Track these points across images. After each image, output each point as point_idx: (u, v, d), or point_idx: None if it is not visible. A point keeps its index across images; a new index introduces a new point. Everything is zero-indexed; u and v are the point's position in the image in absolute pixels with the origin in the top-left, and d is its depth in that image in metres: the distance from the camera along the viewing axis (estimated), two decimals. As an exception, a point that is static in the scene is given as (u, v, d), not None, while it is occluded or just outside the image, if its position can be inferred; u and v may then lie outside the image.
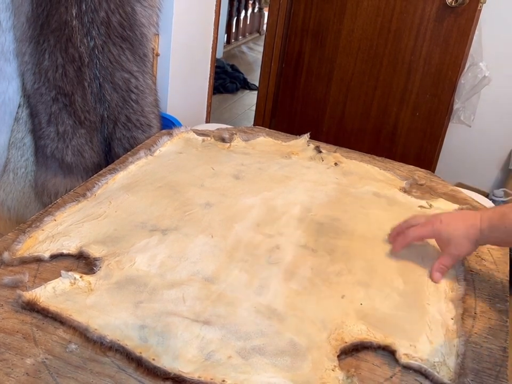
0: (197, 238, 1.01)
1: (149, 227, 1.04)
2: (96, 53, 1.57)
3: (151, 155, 1.32)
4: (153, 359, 0.75)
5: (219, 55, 4.86)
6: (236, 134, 1.46)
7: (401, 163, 1.44)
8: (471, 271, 1.03)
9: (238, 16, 5.39)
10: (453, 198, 1.28)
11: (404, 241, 1.02)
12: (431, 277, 0.97)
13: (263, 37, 3.27)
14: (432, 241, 1.07)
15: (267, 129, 1.58)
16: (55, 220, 1.03)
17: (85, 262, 0.94)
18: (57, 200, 1.13)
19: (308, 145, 1.44)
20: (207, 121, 2.45)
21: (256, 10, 5.75)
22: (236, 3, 5.22)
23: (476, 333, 0.88)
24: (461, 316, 0.90)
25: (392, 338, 0.83)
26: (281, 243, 1.02)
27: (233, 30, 5.42)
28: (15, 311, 0.82)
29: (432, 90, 2.46)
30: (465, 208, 1.20)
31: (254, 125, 2.92)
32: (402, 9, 2.40)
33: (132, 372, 0.74)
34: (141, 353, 0.75)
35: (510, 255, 1.11)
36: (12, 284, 0.86)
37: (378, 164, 1.41)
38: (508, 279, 1.03)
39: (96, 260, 0.93)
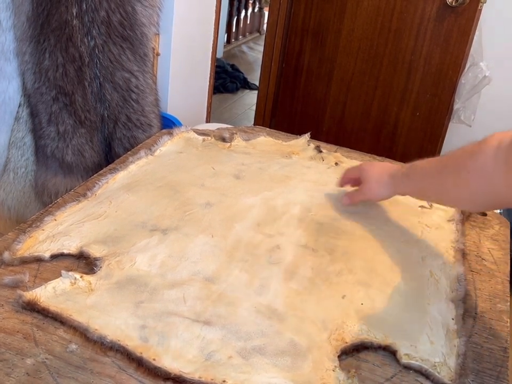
0: (197, 237, 1.01)
1: (149, 227, 1.04)
2: (97, 52, 1.57)
3: (151, 155, 1.32)
4: (154, 359, 0.75)
5: (219, 54, 4.86)
6: (236, 133, 1.46)
7: (401, 163, 1.44)
8: (471, 271, 1.03)
9: (238, 15, 5.39)
10: (453, 198, 1.28)
11: (341, 181, 1.21)
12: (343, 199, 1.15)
13: (263, 36, 3.28)
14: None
15: (267, 129, 1.58)
16: (55, 220, 1.03)
17: (85, 262, 0.94)
18: (58, 200, 1.13)
19: (308, 145, 1.44)
20: (207, 120, 2.45)
21: (256, 10, 5.76)
22: (236, 3, 5.22)
23: (476, 333, 0.88)
24: (461, 316, 0.89)
25: (392, 338, 0.83)
26: (281, 243, 1.02)
27: (234, 30, 5.42)
28: (16, 311, 0.82)
29: (432, 90, 2.46)
30: None
31: (254, 124, 2.92)
32: (403, 9, 2.40)
33: (133, 372, 0.74)
34: (141, 353, 0.75)
35: (510, 255, 1.11)
36: (12, 284, 0.86)
37: (379, 163, 1.41)
38: (509, 279, 1.02)
39: (97, 260, 0.93)
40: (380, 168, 1.11)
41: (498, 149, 0.80)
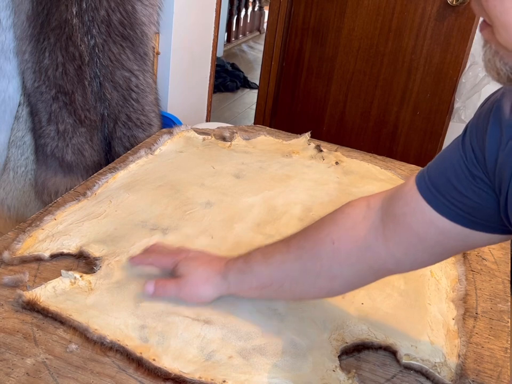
0: (197, 238, 1.01)
1: (149, 226, 1.03)
2: (97, 51, 1.57)
3: (151, 154, 1.31)
4: (154, 360, 0.75)
5: (219, 53, 4.86)
6: (236, 132, 1.46)
7: (402, 162, 1.44)
8: (472, 270, 1.03)
9: (239, 14, 5.39)
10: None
11: (141, 260, 0.89)
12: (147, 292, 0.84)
13: (264, 35, 3.27)
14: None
15: (268, 128, 1.57)
16: (55, 219, 1.02)
17: (85, 262, 0.94)
18: (58, 199, 1.13)
19: (309, 144, 1.44)
20: (208, 120, 2.45)
21: (256, 9, 5.75)
22: (236, 2, 5.21)
23: (477, 333, 0.88)
24: (462, 316, 0.89)
25: (393, 338, 0.83)
26: (282, 243, 1.02)
27: (234, 29, 5.41)
28: (15, 311, 0.82)
29: (432, 89, 2.45)
30: None
31: (254, 123, 2.92)
32: (403, 8, 2.40)
33: (133, 372, 0.74)
34: (141, 353, 0.75)
35: (511, 254, 1.11)
36: (12, 284, 0.86)
37: (380, 163, 1.41)
38: (509, 279, 1.02)
39: (97, 259, 0.93)
40: (207, 262, 0.86)
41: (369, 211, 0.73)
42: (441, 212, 0.67)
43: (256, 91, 3.40)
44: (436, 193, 0.67)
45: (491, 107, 0.63)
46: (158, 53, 1.92)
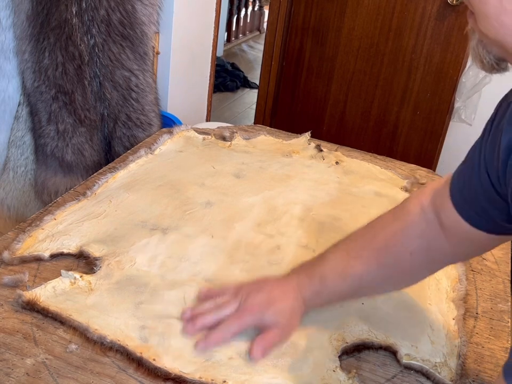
0: (197, 238, 1.01)
1: (149, 226, 1.03)
2: (96, 51, 1.57)
3: (151, 154, 1.31)
4: (154, 360, 0.74)
5: (219, 53, 4.85)
6: (236, 132, 1.46)
7: (402, 162, 1.44)
8: (472, 270, 1.03)
9: (239, 14, 5.38)
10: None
11: (216, 340, 0.78)
12: (251, 351, 0.77)
13: (264, 35, 3.27)
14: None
15: (268, 127, 1.57)
16: (55, 219, 1.02)
17: (85, 262, 0.94)
18: (57, 199, 1.13)
19: (309, 144, 1.44)
20: (208, 119, 2.45)
21: (256, 8, 5.74)
22: (236, 1, 5.21)
23: (477, 333, 0.88)
24: (462, 316, 0.89)
25: (393, 338, 0.82)
26: (282, 243, 1.02)
27: (234, 29, 5.40)
28: (15, 311, 0.81)
29: (433, 89, 2.45)
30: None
31: (254, 123, 2.92)
32: (403, 8, 2.40)
33: (133, 372, 0.74)
34: (141, 353, 0.75)
35: (511, 254, 1.11)
36: (12, 284, 0.86)
37: (380, 162, 1.41)
38: (510, 278, 1.02)
39: (97, 260, 0.93)
40: (282, 295, 0.82)
41: (424, 213, 0.77)
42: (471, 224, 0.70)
43: (256, 91, 3.39)
44: (465, 205, 0.70)
45: (506, 107, 0.64)
46: (158, 53, 1.92)
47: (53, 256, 0.94)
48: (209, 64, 2.30)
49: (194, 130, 1.46)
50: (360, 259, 0.80)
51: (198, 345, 0.77)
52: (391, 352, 0.81)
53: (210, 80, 2.34)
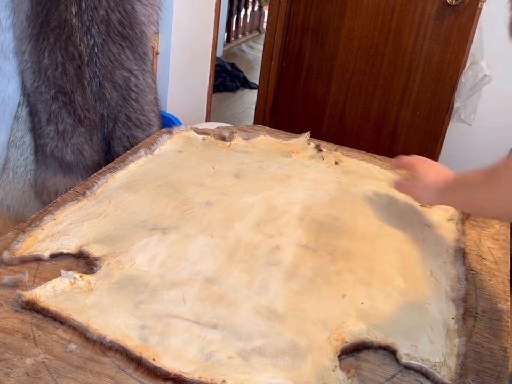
0: (197, 238, 1.01)
1: (149, 226, 1.03)
2: (96, 51, 1.57)
3: (151, 154, 1.31)
4: (153, 359, 0.74)
5: (219, 53, 4.86)
6: (236, 132, 1.46)
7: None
8: (472, 270, 1.03)
9: (238, 14, 5.39)
10: (453, 197, 1.28)
11: (396, 162, 1.20)
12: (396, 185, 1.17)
13: (263, 35, 3.27)
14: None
15: (267, 127, 1.57)
16: (54, 219, 1.02)
17: (84, 262, 0.94)
18: (57, 199, 1.13)
19: (308, 144, 1.44)
20: (207, 120, 2.45)
21: (256, 8, 5.75)
22: (236, 1, 5.22)
23: (476, 333, 0.88)
24: (462, 315, 0.89)
25: (393, 338, 0.82)
26: (281, 243, 1.02)
27: (233, 29, 5.41)
28: (15, 311, 0.81)
29: (432, 89, 2.45)
30: None
31: (254, 123, 2.92)
32: (403, 8, 2.40)
33: (132, 372, 0.74)
34: (141, 353, 0.75)
35: (511, 254, 1.11)
36: (12, 284, 0.86)
37: (379, 162, 1.41)
38: (509, 278, 1.02)
39: (96, 260, 0.93)
40: (437, 172, 1.08)
41: None
42: None
43: (255, 91, 3.40)
44: None
45: None
46: (157, 53, 1.92)
47: (53, 256, 0.94)
48: (209, 65, 2.30)
49: (193, 130, 1.46)
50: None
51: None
52: (391, 351, 0.81)
53: (209, 80, 2.35)
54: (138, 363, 0.74)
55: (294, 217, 1.11)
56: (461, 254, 1.05)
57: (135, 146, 1.42)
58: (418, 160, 1.15)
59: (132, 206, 1.09)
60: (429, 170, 1.09)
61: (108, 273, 0.90)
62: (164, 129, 1.51)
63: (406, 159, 1.18)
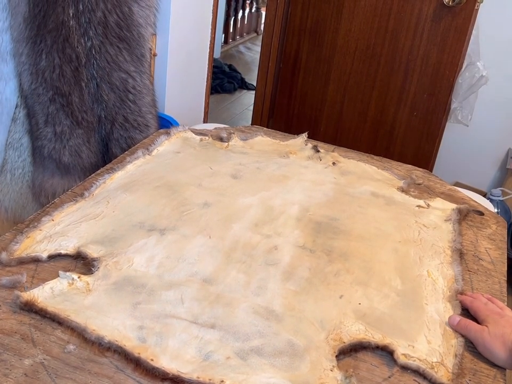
0: (194, 238, 1.01)
1: (147, 227, 1.03)
2: (94, 53, 1.57)
3: (149, 154, 1.31)
4: (152, 360, 0.75)
5: (217, 55, 4.86)
6: (233, 133, 1.46)
7: (399, 162, 1.45)
8: (469, 270, 1.03)
9: (236, 16, 5.39)
10: (450, 198, 1.28)
11: (466, 302, 0.93)
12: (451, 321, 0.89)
13: (261, 36, 3.27)
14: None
15: (265, 128, 1.58)
16: (52, 220, 1.03)
17: (83, 262, 0.94)
18: (55, 200, 1.13)
19: (306, 145, 1.44)
20: (205, 121, 2.45)
21: (253, 10, 5.76)
22: (233, 3, 5.22)
23: (474, 332, 0.88)
24: (459, 316, 0.90)
25: (390, 338, 0.83)
26: (279, 244, 1.02)
27: (231, 30, 5.42)
28: (13, 312, 0.82)
29: (429, 90, 2.46)
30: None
31: (252, 124, 2.92)
32: (400, 9, 2.40)
33: (130, 372, 0.74)
34: (139, 353, 0.75)
35: (507, 254, 1.11)
36: (10, 285, 0.86)
37: (376, 163, 1.41)
38: (506, 279, 1.03)
39: (94, 260, 0.93)
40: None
41: None
42: None
43: (253, 92, 3.40)
44: None
45: None
46: (155, 54, 1.93)
47: (51, 257, 0.94)
48: (206, 66, 2.30)
49: (191, 131, 1.46)
50: None
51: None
52: (388, 352, 0.82)
53: (207, 81, 2.35)
54: (137, 363, 0.74)
55: (292, 217, 1.11)
56: (458, 254, 1.06)
57: (133, 147, 1.42)
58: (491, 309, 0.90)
59: (129, 206, 1.09)
60: (503, 318, 0.86)
61: (106, 274, 0.90)
62: (161, 130, 1.51)
63: (476, 303, 0.92)
